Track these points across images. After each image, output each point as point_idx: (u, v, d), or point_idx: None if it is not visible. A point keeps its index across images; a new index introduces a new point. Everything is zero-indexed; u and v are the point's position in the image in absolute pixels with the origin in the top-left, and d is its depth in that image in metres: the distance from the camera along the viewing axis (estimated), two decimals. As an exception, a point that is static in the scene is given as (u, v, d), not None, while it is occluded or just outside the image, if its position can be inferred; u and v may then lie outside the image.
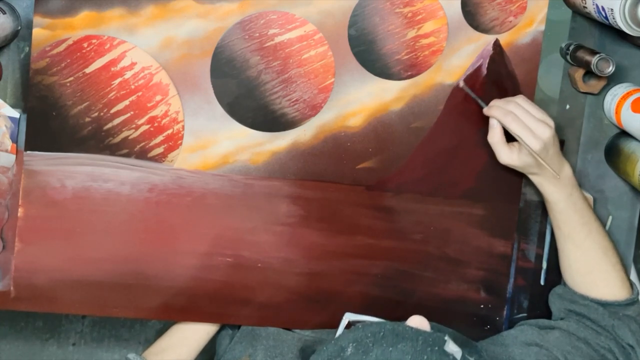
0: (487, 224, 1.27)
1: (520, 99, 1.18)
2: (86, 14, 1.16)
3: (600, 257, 1.21)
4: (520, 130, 1.15)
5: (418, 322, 0.96)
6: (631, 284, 1.23)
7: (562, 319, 1.24)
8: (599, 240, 1.21)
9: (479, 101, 1.21)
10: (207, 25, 1.18)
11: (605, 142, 1.30)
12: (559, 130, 1.22)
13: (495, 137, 1.18)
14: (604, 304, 1.21)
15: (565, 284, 1.26)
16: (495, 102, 1.19)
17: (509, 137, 1.18)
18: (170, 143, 1.19)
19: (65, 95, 1.17)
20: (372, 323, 0.94)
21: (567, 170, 1.19)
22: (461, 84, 1.23)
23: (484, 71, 1.23)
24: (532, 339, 1.20)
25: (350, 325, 1.14)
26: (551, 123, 1.16)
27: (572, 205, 1.19)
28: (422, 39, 1.22)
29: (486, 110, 1.19)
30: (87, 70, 1.17)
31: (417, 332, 0.93)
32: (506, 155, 1.18)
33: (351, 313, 1.06)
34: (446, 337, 0.93)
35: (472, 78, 1.23)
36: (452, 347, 0.93)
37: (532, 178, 1.21)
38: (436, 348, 0.92)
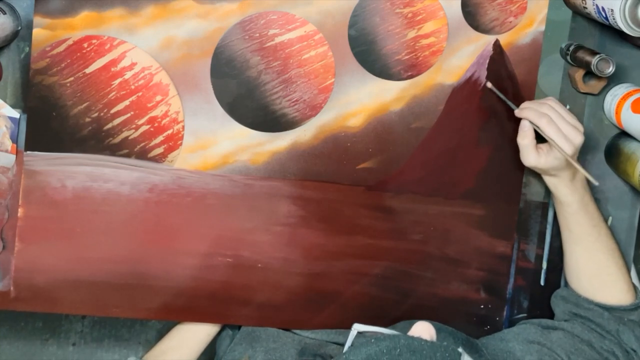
0: (487, 224, 1.27)
1: (552, 102, 1.16)
2: (86, 14, 1.16)
3: (607, 259, 1.21)
4: (555, 134, 1.13)
5: (426, 328, 0.92)
6: (635, 289, 1.23)
7: (565, 320, 1.23)
8: (607, 242, 1.21)
9: (509, 102, 1.20)
10: (207, 26, 1.18)
11: (605, 143, 1.30)
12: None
13: (526, 139, 1.16)
14: (609, 309, 1.20)
15: (567, 286, 1.26)
16: (527, 104, 1.17)
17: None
18: (170, 143, 1.19)
19: (66, 95, 1.17)
20: (384, 336, 0.90)
21: (579, 173, 1.18)
22: (489, 84, 1.22)
23: (484, 72, 1.23)
24: (534, 337, 1.20)
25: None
26: (581, 128, 1.15)
27: (584, 207, 1.19)
28: (422, 39, 1.22)
29: (518, 112, 1.18)
30: (87, 71, 1.17)
31: (433, 346, 0.88)
32: (534, 158, 1.16)
33: (360, 324, 1.03)
34: (460, 350, 0.90)
35: (472, 80, 1.23)
36: None
37: (548, 179, 1.20)
38: None
